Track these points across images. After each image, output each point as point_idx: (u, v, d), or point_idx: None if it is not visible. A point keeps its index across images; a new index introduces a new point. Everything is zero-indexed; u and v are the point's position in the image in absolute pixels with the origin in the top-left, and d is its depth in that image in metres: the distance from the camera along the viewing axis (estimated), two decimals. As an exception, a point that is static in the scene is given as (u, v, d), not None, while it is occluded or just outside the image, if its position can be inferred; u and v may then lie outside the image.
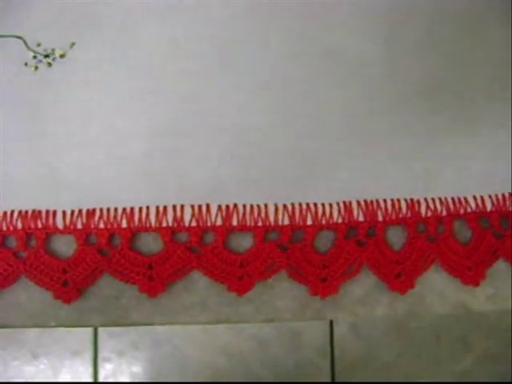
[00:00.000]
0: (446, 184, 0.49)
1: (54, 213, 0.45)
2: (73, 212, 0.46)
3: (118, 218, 0.46)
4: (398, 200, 0.48)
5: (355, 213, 0.48)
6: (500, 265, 0.49)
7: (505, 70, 0.51)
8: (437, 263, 0.48)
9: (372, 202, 0.48)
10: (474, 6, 0.51)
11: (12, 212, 0.45)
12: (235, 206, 0.47)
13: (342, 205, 0.48)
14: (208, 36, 0.49)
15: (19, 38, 0.47)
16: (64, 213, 0.45)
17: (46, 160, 0.46)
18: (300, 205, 0.47)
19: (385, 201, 0.48)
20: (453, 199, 0.49)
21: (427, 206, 0.48)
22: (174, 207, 0.46)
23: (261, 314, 0.47)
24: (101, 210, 0.46)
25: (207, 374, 1.00)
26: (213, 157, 0.47)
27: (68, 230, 0.45)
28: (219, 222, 0.46)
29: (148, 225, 0.46)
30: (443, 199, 0.49)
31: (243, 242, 0.47)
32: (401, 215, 0.48)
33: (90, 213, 0.46)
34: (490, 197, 0.49)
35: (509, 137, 0.50)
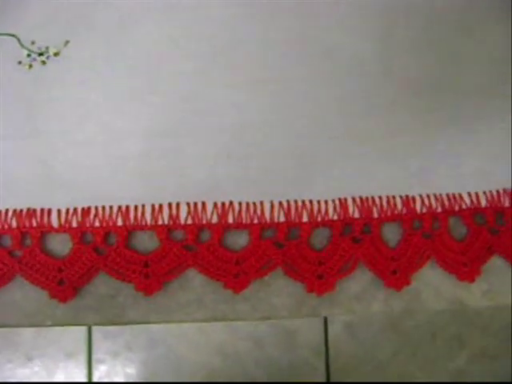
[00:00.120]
0: (440, 181, 0.49)
1: (49, 211, 0.45)
2: (68, 210, 0.45)
3: (114, 216, 0.46)
4: (394, 197, 0.48)
5: (351, 210, 0.48)
6: (495, 261, 0.49)
7: (500, 69, 0.51)
8: (432, 259, 0.49)
9: (367, 198, 0.48)
10: (469, 4, 0.52)
11: (7, 211, 0.45)
12: (231, 203, 0.47)
13: (337, 202, 0.48)
14: (204, 36, 0.49)
15: (13, 36, 0.47)
16: (59, 211, 0.45)
17: (41, 158, 0.46)
18: (296, 202, 0.47)
19: (380, 198, 0.48)
20: (448, 196, 0.49)
21: (422, 203, 0.48)
22: (170, 205, 0.46)
23: (257, 312, 0.47)
24: (96, 208, 0.46)
25: (202, 375, 0.99)
26: (209, 155, 0.47)
27: (63, 228, 0.45)
28: (215, 220, 0.46)
29: (144, 223, 0.46)
30: (438, 196, 0.49)
31: (239, 240, 0.47)
32: (396, 212, 0.48)
33: (86, 211, 0.46)
34: (484, 193, 0.49)
35: (502, 134, 0.50)
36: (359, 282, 0.48)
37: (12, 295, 0.46)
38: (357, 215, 0.48)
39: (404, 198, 0.48)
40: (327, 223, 0.47)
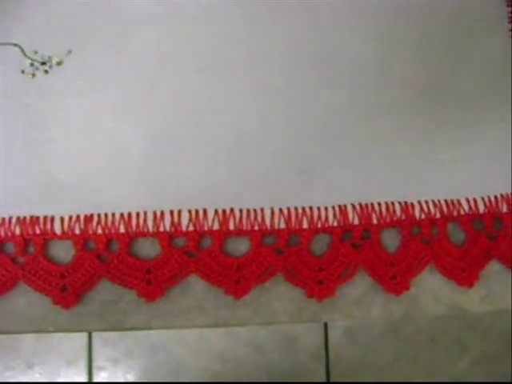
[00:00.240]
0: (439, 187, 0.50)
1: (52, 218, 0.46)
2: (71, 218, 0.46)
3: (116, 223, 0.46)
4: (393, 203, 0.49)
5: (350, 216, 0.48)
6: (493, 266, 0.50)
7: (500, 73, 0.52)
8: (431, 265, 0.49)
9: (367, 205, 0.49)
10: (469, 5, 0.52)
11: (10, 218, 0.45)
12: (232, 210, 0.47)
13: (337, 208, 0.48)
14: (206, 45, 0.49)
15: (16, 45, 0.47)
16: (62, 218, 0.46)
17: (44, 166, 0.46)
18: (296, 209, 0.48)
19: (379, 204, 0.49)
20: (446, 202, 0.49)
21: (421, 209, 0.49)
22: (172, 212, 0.47)
23: (258, 317, 0.48)
24: (98, 215, 0.46)
25: (203, 380, 1.00)
26: (209, 162, 0.48)
27: (66, 235, 0.46)
28: (216, 227, 0.47)
29: (146, 230, 0.46)
30: (437, 202, 0.49)
31: (240, 246, 0.48)
32: (395, 218, 0.49)
33: (88, 218, 0.46)
34: (482, 199, 0.50)
35: (502, 138, 0.51)
36: (359, 288, 0.49)
37: (15, 302, 0.46)
38: (356, 222, 0.48)
39: (403, 204, 0.49)
40: (327, 229, 0.48)
